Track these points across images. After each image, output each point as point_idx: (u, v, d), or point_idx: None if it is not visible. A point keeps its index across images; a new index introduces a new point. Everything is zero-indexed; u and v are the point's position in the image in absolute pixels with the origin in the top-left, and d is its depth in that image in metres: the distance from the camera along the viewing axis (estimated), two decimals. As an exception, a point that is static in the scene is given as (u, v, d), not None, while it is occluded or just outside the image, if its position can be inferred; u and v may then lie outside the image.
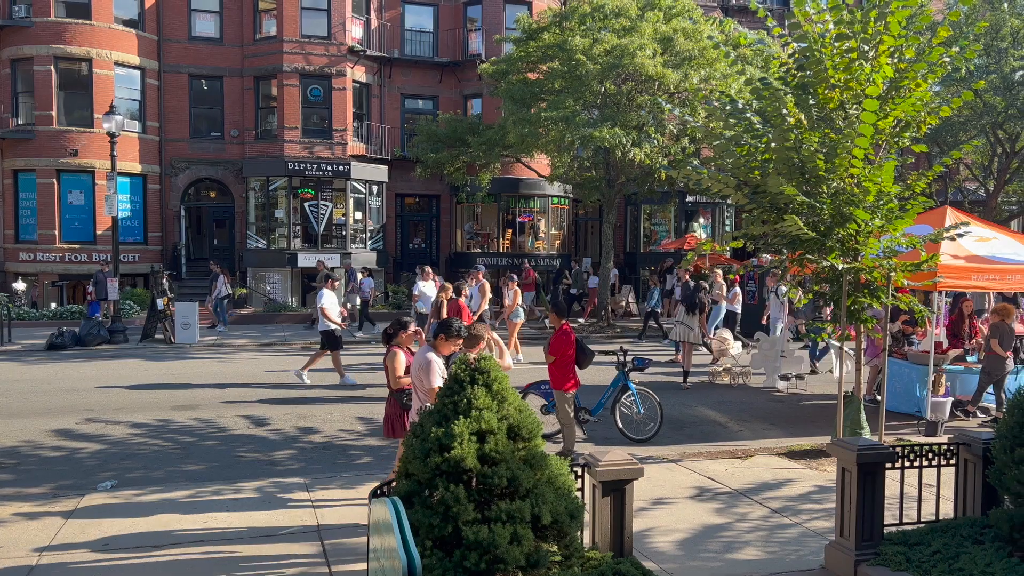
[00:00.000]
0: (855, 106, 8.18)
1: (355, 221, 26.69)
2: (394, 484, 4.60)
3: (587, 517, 4.92)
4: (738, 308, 17.99)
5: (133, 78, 25.67)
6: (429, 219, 30.02)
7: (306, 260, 24.97)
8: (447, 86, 28.60)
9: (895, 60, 8.17)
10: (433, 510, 4.19)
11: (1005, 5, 24.79)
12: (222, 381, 13.52)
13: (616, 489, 5.01)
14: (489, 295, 15.61)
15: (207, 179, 27.50)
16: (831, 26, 8.23)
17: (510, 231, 28.23)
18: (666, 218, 30.46)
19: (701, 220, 30.25)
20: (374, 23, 27.54)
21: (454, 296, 13.38)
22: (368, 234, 27.10)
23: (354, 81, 26.76)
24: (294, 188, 25.95)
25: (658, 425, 9.66)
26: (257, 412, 11.13)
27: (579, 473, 5.07)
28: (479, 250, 28.21)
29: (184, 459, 8.79)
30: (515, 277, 16.66)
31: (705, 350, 15.39)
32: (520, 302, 15.94)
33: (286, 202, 26.13)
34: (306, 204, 26.04)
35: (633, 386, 9.69)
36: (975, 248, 10.91)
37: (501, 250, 28.10)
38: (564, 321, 8.95)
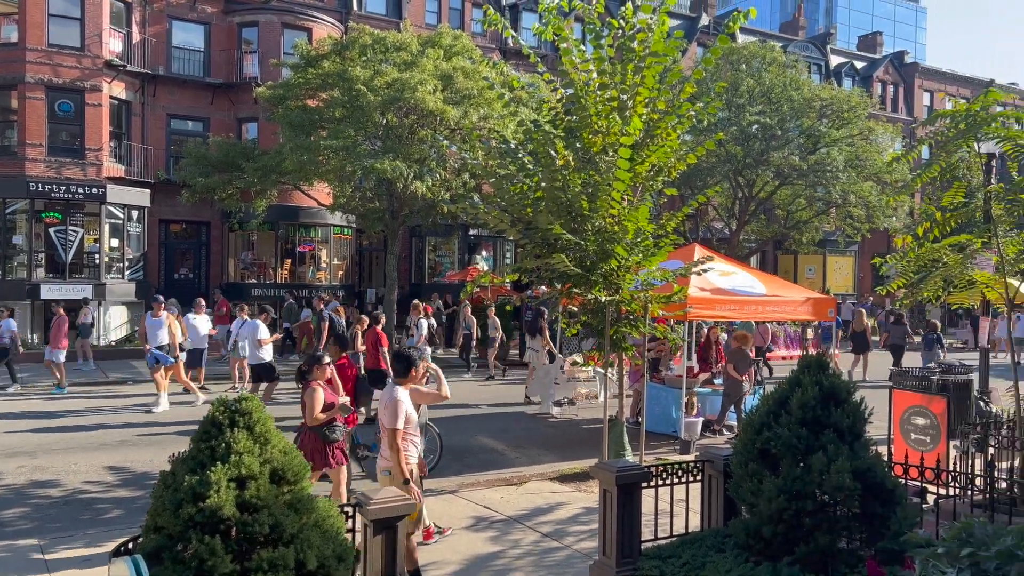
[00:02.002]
0: (613, 153, 8.83)
1: (111, 249, 24.32)
2: (140, 540, 4.16)
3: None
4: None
5: None
6: (198, 247, 28.13)
7: (51, 292, 22.29)
8: (220, 108, 27.15)
9: (649, 110, 8.93)
10: (185, 565, 3.84)
11: (743, 66, 28.25)
12: (-63, 432, 11.64)
13: (389, 527, 4.91)
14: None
15: (-74, 198, 23.84)
16: (595, 75, 8.85)
17: (289, 261, 27.21)
18: (450, 250, 30.97)
19: (484, 252, 31.11)
20: (136, 37, 25.56)
21: (372, 325, 13.31)
22: (126, 263, 24.77)
23: (112, 97, 24.58)
24: (37, 212, 23.17)
25: (438, 456, 9.67)
26: (-18, 466, 9.68)
27: (350, 513, 4.91)
28: (254, 280, 26.89)
29: None
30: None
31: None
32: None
33: (27, 227, 23.24)
34: (51, 230, 23.32)
35: (413, 419, 9.62)
36: (719, 282, 12.15)
37: (279, 280, 26.97)
38: (344, 354, 8.73)
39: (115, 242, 24.47)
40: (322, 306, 16.21)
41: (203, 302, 16.44)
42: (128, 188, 24.54)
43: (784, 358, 23.06)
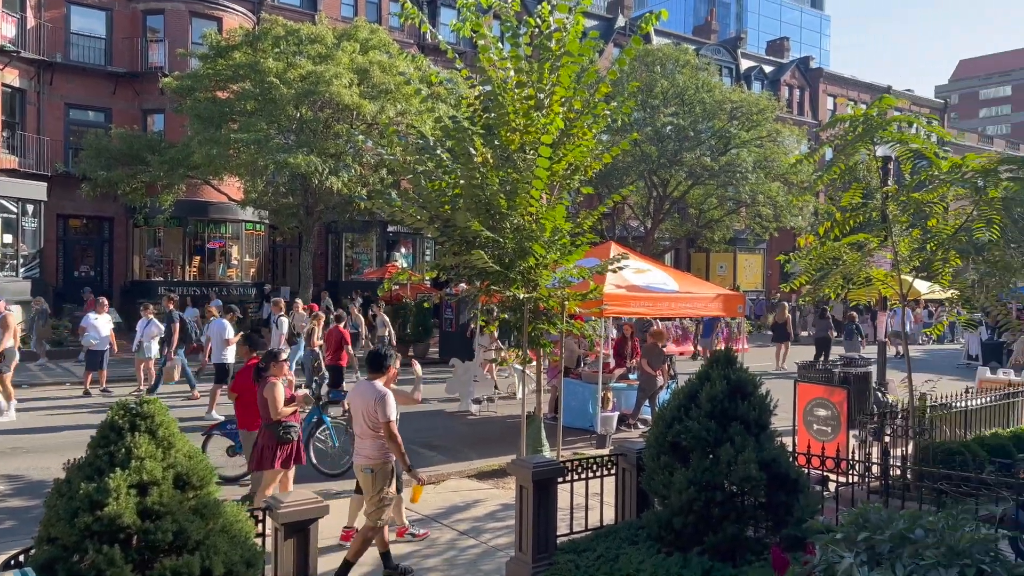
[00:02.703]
0: (532, 151, 8.87)
1: (4, 245, 22.94)
2: (32, 552, 3.94)
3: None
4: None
5: None
6: (100, 244, 26.86)
7: (-65, 290, 20.86)
8: (123, 98, 25.97)
9: (566, 109, 9.01)
10: (82, 577, 3.66)
11: (658, 68, 28.88)
12: None
13: (300, 530, 4.81)
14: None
15: None
16: (512, 73, 8.86)
17: (198, 258, 26.28)
18: (368, 247, 30.55)
19: (403, 250, 30.83)
20: (31, 22, 24.18)
21: (334, 322, 13.56)
22: (21, 260, 23.39)
23: (4, 85, 23.19)
24: (-82, 204, 21.68)
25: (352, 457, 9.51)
26: None
27: (260, 517, 4.78)
28: (161, 278, 25.85)
29: None
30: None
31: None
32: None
33: (-93, 220, 21.72)
34: (-65, 224, 21.87)
35: (328, 420, 9.45)
36: (634, 279, 12.39)
37: (188, 278, 26.02)
38: (255, 355, 8.47)
39: (8, 238, 23.09)
40: (171, 307, 15.26)
41: (105, 301, 15.69)
42: (22, 181, 23.19)
43: (680, 353, 23.54)
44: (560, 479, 5.69)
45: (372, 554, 6.51)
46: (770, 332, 21.64)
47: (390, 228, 28.73)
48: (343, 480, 9.10)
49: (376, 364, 6.24)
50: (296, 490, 5.02)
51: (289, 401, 7.12)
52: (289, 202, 21.07)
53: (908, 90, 51.69)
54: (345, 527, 6.95)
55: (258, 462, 7.03)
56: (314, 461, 9.28)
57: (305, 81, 17.55)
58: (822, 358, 18.60)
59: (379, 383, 6.16)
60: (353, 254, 30.37)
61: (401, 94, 17.78)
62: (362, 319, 17.25)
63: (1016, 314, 17.03)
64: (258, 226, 27.03)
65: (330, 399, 9.65)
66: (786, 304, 22.74)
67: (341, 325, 13.51)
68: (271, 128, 17.97)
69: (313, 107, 18.47)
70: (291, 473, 7.30)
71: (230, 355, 13.15)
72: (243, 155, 17.65)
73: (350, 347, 13.08)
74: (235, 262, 26.85)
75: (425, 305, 16.23)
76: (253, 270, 27.65)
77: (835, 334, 20.95)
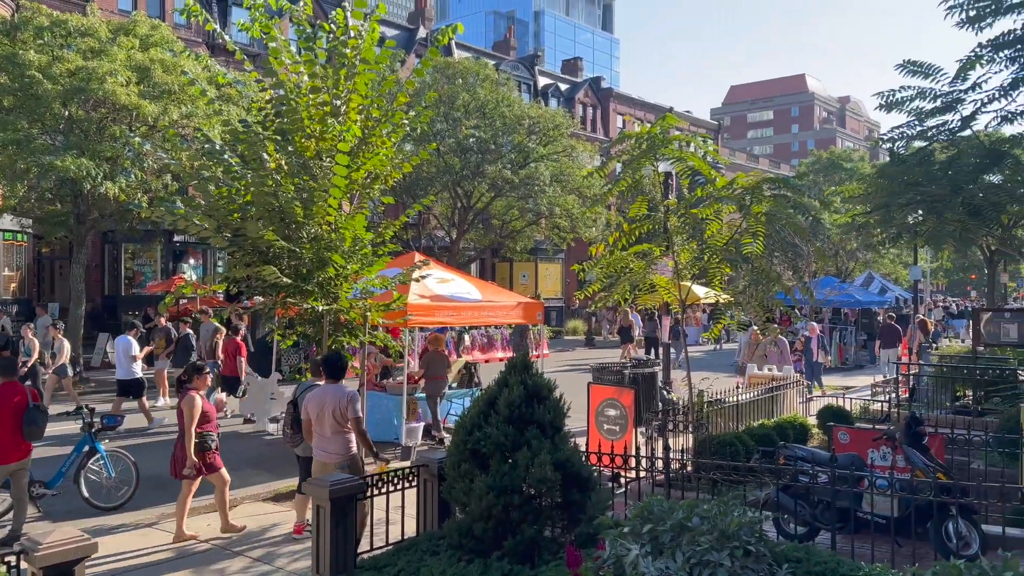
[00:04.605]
0: (329, 159, 8.63)
1: None
2: None
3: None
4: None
5: None
6: None
7: None
8: None
9: (363, 117, 8.86)
10: None
11: (459, 80, 29.32)
12: None
13: (65, 572, 4.29)
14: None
15: None
16: (306, 78, 8.58)
17: (-54, 272, 23.02)
18: (152, 258, 28.23)
19: (191, 260, 28.83)
20: None
21: (231, 335, 14.25)
22: None
23: None
24: None
25: (134, 488, 8.71)
26: None
27: (13, 562, 4.22)
28: (-103, 296, 22.36)
29: None
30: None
31: None
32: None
33: None
34: None
35: (103, 449, 8.59)
36: (438, 288, 12.43)
37: (-68, 296, 22.70)
38: (13, 378, 7.53)
39: None
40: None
41: None
42: None
43: (486, 360, 24.08)
44: (360, 495, 5.54)
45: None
46: (618, 335, 26.50)
47: (177, 237, 26.80)
48: (122, 513, 8.31)
49: (337, 369, 6.93)
50: (60, 528, 4.48)
51: (204, 416, 7.53)
52: (57, 209, 18.97)
53: (687, 111, 56.47)
54: (297, 522, 7.56)
55: (175, 471, 7.51)
56: (86, 494, 8.39)
57: (75, 77, 15.90)
58: (651, 354, 20.78)
59: (345, 384, 6.95)
60: (135, 266, 27.94)
61: (187, 95, 16.61)
62: (36, 343, 14.96)
63: (779, 318, 18.99)
64: (19, 236, 24.11)
65: (105, 425, 8.77)
66: (628, 309, 24.61)
67: (238, 337, 14.24)
68: (34, 127, 16.11)
69: (85, 106, 16.79)
70: (195, 484, 7.59)
71: (138, 369, 13.45)
72: (0, 157, 15.68)
73: (244, 359, 13.97)
74: (-7, 276, 23.78)
75: (214, 320, 15.18)
76: (14, 285, 24.63)
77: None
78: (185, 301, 19.81)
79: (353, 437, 6.83)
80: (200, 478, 7.56)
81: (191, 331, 15.98)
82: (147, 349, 14.93)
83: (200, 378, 7.69)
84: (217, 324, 15.43)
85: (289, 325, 12.28)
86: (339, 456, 6.72)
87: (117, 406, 13.13)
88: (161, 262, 28.04)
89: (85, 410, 8.71)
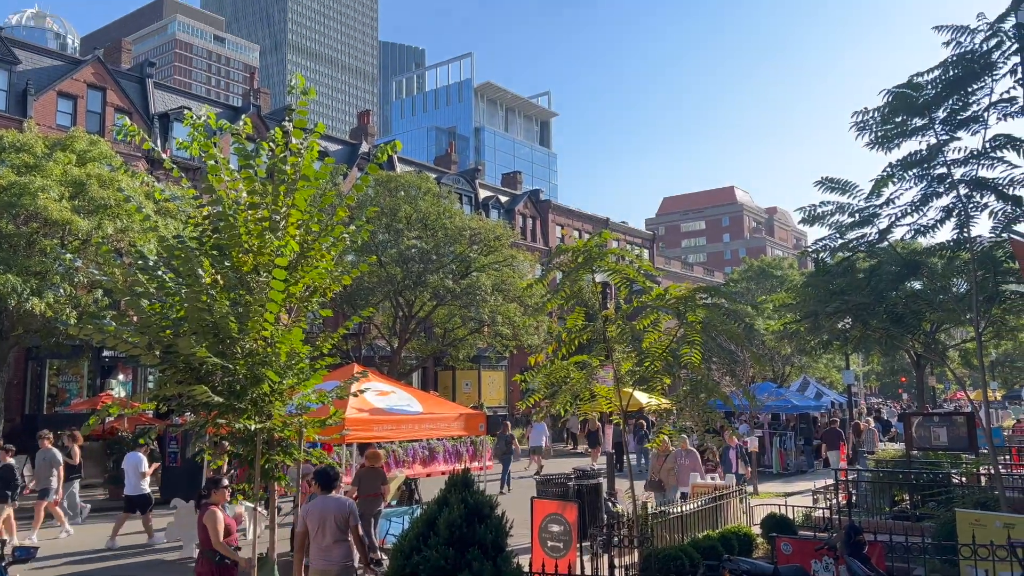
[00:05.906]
0: (266, 273, 8.57)
1: None
2: None
3: None
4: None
5: None
6: None
7: None
8: None
9: (303, 232, 8.89)
10: None
11: (402, 193, 29.87)
12: None
13: None
14: None
15: None
16: (245, 194, 8.62)
17: None
18: (78, 374, 27.14)
19: (120, 376, 27.77)
20: None
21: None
22: None
23: None
24: None
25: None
26: None
27: None
28: None
29: None
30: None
31: None
32: None
33: None
34: None
35: (11, 583, 7.94)
36: (377, 401, 12.22)
37: None
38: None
39: None
40: None
41: None
42: None
43: (427, 474, 23.40)
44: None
45: None
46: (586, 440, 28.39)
47: (106, 353, 25.91)
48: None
49: (330, 481, 7.50)
50: None
51: (227, 530, 7.68)
52: (-22, 324, 18.28)
53: (623, 221, 58.33)
54: None
55: None
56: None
57: (6, 192, 15.66)
58: (615, 461, 20.56)
59: (341, 495, 7.46)
60: (60, 382, 26.77)
61: (123, 210, 16.47)
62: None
63: (719, 428, 19.06)
64: (-63, 352, 22.99)
65: (16, 558, 8.14)
66: (596, 415, 24.81)
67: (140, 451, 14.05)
68: (-41, 242, 15.71)
69: (15, 220, 16.47)
70: None
71: (147, 485, 13.63)
72: (-81, 271, 15.14)
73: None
74: (-98, 396, 22.41)
75: (140, 441, 14.47)
76: (-72, 404, 23.24)
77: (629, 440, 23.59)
78: (112, 420, 18.97)
79: (351, 546, 7.21)
80: None
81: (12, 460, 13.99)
82: (155, 465, 15.24)
83: (218, 492, 7.95)
84: (55, 451, 14.64)
85: (217, 444, 11.83)
86: (338, 565, 7.09)
87: (121, 522, 13.42)
88: (88, 378, 26.96)
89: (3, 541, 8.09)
